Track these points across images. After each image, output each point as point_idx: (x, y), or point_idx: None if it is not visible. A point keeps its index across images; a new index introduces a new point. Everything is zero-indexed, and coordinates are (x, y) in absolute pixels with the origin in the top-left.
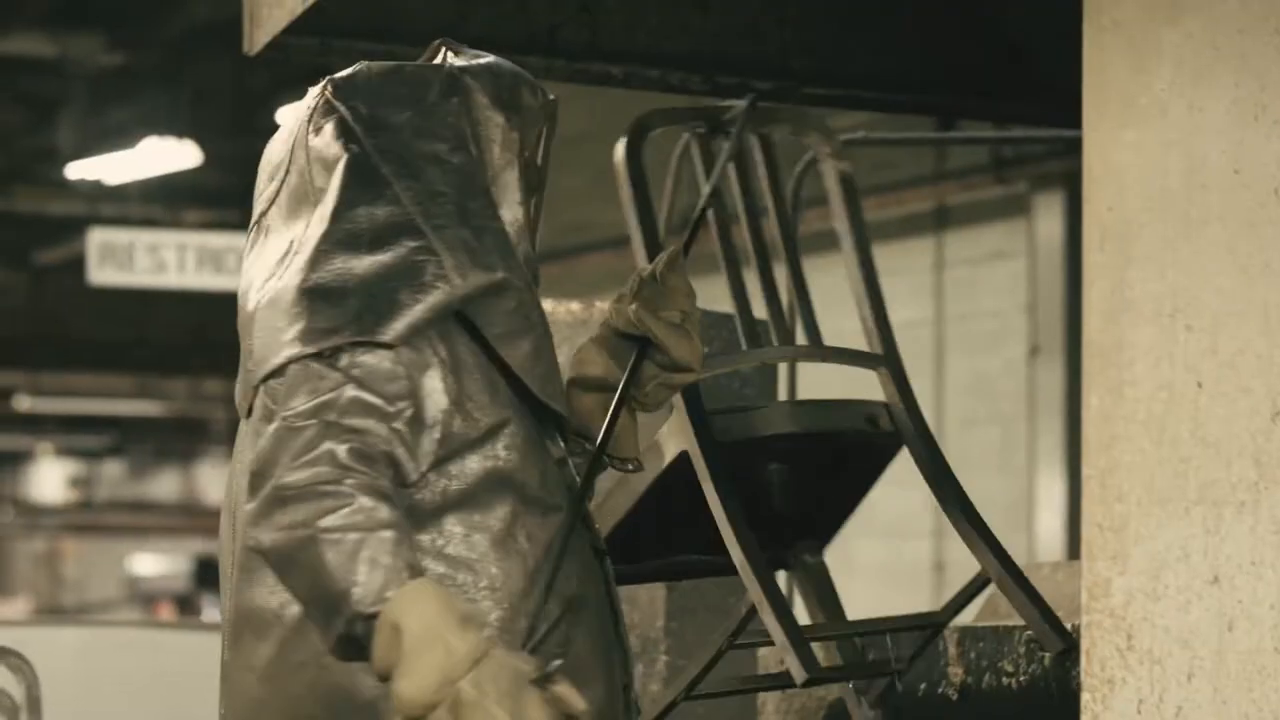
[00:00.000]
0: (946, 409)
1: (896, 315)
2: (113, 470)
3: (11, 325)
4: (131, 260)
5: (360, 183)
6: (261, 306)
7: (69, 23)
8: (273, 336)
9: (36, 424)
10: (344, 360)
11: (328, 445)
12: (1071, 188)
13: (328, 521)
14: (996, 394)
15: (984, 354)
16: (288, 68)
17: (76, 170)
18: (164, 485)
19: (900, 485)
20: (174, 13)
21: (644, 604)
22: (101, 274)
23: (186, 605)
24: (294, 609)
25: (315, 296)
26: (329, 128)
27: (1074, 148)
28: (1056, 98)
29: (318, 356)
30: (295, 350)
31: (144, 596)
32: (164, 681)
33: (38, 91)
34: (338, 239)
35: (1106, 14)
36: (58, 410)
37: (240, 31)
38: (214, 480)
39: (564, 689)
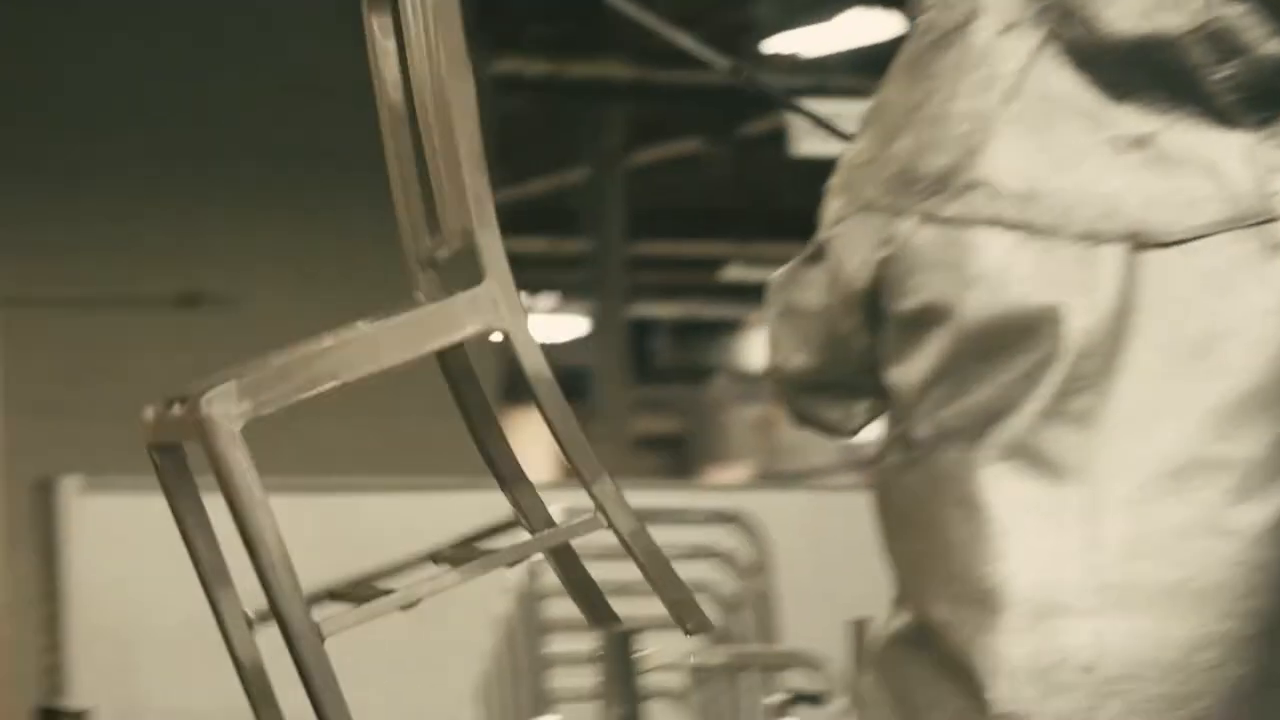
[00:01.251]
0: None
1: None
2: None
3: (720, 197)
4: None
5: None
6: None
7: None
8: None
9: (745, 294)
10: None
11: None
12: None
13: None
14: None
15: None
16: None
17: (775, 44)
18: None
19: None
20: None
21: None
22: (804, 145)
23: None
24: None
25: None
26: None
27: None
28: None
29: None
30: None
31: (860, 461)
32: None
33: None
34: None
35: None
36: (765, 280)
37: None
38: None
39: None
